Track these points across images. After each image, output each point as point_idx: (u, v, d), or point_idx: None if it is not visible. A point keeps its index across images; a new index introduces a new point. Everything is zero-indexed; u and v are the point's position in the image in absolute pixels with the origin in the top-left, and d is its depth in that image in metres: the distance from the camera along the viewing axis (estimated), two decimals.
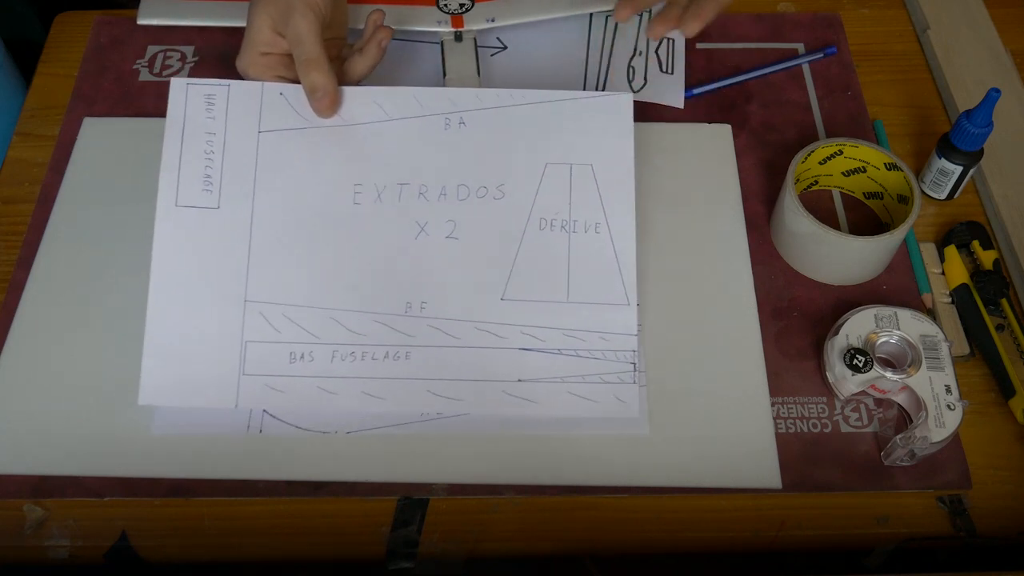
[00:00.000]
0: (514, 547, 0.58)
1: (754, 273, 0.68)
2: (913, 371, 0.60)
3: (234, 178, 0.63)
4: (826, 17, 0.83)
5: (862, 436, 0.61)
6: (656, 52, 0.79)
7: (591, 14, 0.80)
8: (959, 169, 0.69)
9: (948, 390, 0.59)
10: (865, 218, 0.71)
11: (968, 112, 0.67)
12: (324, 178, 0.63)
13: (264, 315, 0.61)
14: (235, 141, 0.63)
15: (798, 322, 0.66)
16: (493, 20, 0.76)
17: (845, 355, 0.60)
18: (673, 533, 0.59)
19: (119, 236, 0.69)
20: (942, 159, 0.69)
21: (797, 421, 0.62)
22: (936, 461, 0.60)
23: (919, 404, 0.59)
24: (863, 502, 0.60)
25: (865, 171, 0.69)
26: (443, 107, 0.65)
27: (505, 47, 0.79)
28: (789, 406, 0.62)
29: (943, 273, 0.68)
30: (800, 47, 0.81)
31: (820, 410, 0.62)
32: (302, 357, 0.61)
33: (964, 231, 0.69)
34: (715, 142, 0.74)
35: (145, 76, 0.78)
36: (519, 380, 0.61)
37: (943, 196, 0.72)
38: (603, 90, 0.76)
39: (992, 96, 0.64)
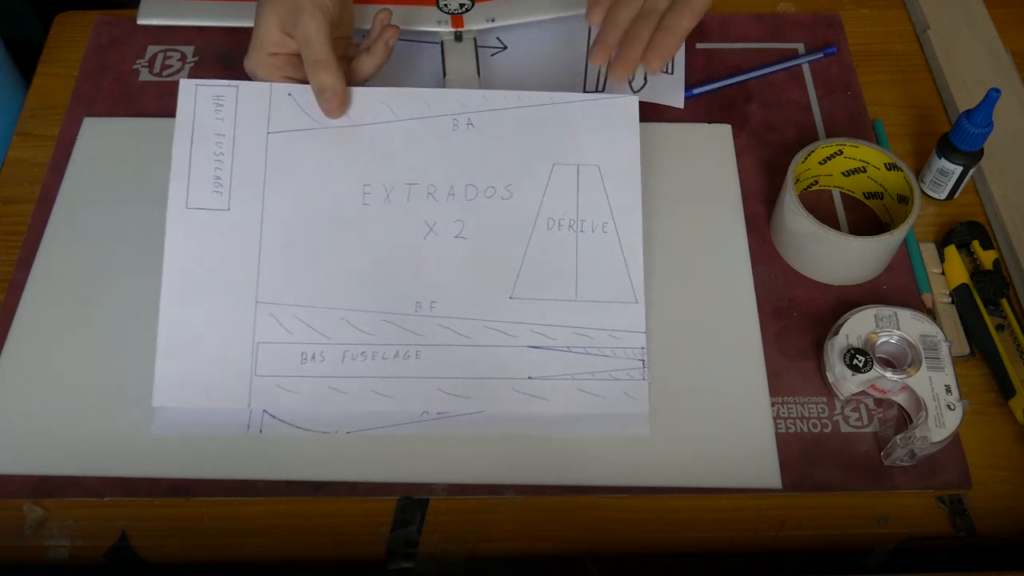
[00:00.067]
0: (514, 547, 0.58)
1: (754, 273, 0.68)
2: (913, 371, 0.60)
3: (244, 180, 0.63)
4: (826, 17, 0.83)
5: (862, 436, 0.61)
6: None
7: None
8: (959, 169, 0.69)
9: (948, 390, 0.59)
10: (865, 218, 0.71)
11: (968, 112, 0.67)
12: (333, 179, 0.64)
13: (275, 316, 0.62)
14: (244, 142, 0.63)
15: (798, 322, 0.66)
16: (493, 20, 0.76)
17: (845, 355, 0.60)
18: (673, 533, 0.59)
19: (119, 236, 0.69)
20: (942, 159, 0.69)
21: (797, 421, 0.62)
22: (936, 461, 0.60)
23: (919, 404, 0.59)
24: (863, 502, 0.60)
25: (865, 171, 0.69)
26: (451, 108, 0.65)
27: (505, 47, 0.79)
28: (789, 406, 0.62)
29: (943, 273, 0.68)
30: (800, 47, 0.81)
31: (820, 410, 0.62)
32: (313, 357, 0.61)
33: (964, 231, 0.69)
34: (715, 142, 0.74)
35: (145, 76, 0.78)
36: (529, 377, 0.62)
37: (943, 196, 0.72)
38: (603, 90, 0.76)
39: (992, 96, 0.64)
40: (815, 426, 0.62)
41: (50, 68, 0.79)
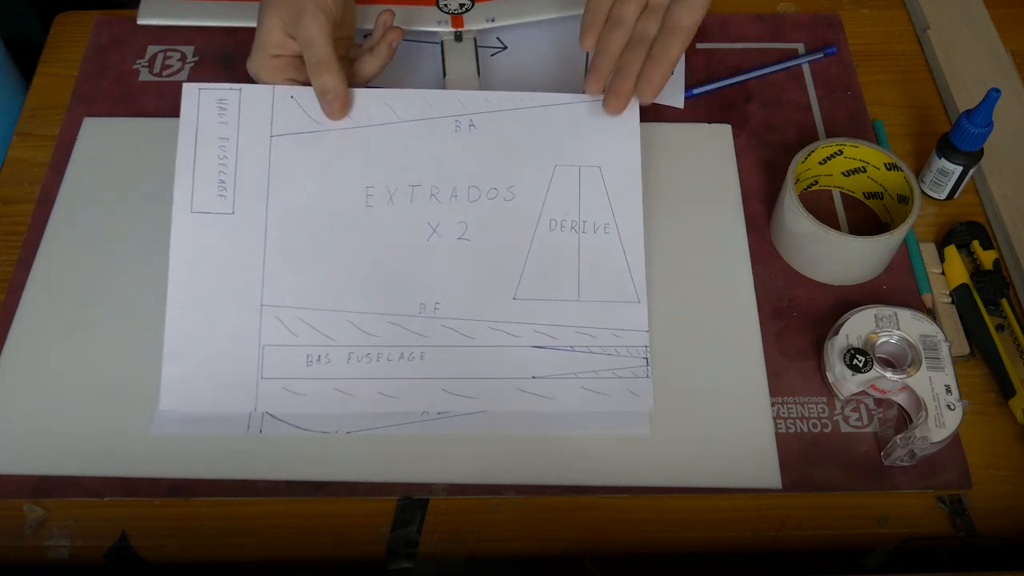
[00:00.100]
0: (514, 547, 0.58)
1: (754, 273, 0.68)
2: (913, 371, 0.60)
3: (248, 183, 0.63)
4: (826, 17, 0.83)
5: (862, 436, 0.61)
6: None
7: None
8: (959, 169, 0.69)
9: (948, 390, 0.59)
10: (865, 218, 0.71)
11: (968, 112, 0.67)
12: (336, 181, 0.64)
13: (280, 319, 0.62)
14: (248, 146, 0.63)
15: (798, 322, 0.66)
16: (493, 20, 0.76)
17: (845, 355, 0.60)
18: (673, 533, 0.59)
19: (119, 236, 0.69)
20: (942, 159, 0.69)
21: (797, 421, 0.62)
22: (936, 461, 0.60)
23: (919, 404, 0.59)
24: (863, 502, 0.60)
25: (865, 171, 0.69)
26: (453, 109, 0.65)
27: (505, 47, 0.79)
28: (789, 406, 0.62)
29: (943, 273, 0.68)
30: (800, 47, 0.81)
31: (820, 410, 0.62)
32: (319, 360, 0.62)
33: (964, 231, 0.69)
34: (715, 142, 0.74)
35: (145, 76, 0.78)
36: (533, 377, 0.62)
37: (943, 196, 0.72)
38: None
39: (992, 96, 0.64)
40: (815, 426, 0.62)
41: (50, 68, 0.79)
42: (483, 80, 0.75)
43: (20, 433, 0.61)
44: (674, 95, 0.76)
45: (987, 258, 0.68)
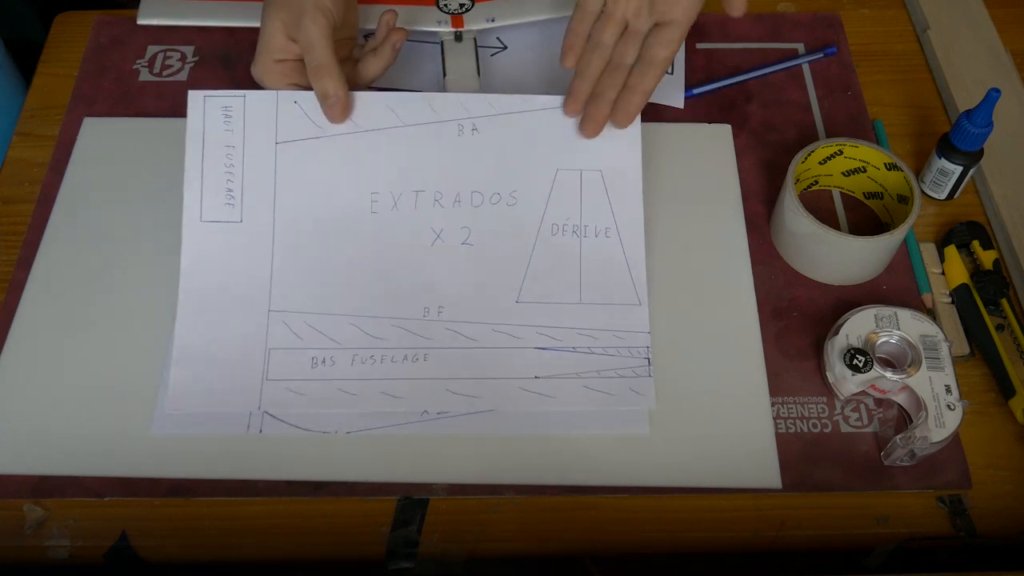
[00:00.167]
0: (514, 547, 0.58)
1: (754, 273, 0.68)
2: (913, 371, 0.60)
3: (255, 191, 0.64)
4: (826, 17, 0.83)
5: (862, 436, 0.61)
6: None
7: None
8: (959, 169, 0.69)
9: (948, 390, 0.59)
10: (865, 218, 0.71)
11: (968, 112, 0.67)
12: (342, 188, 0.64)
13: (287, 323, 0.63)
14: (254, 154, 0.64)
15: (798, 322, 0.66)
16: (493, 20, 0.76)
17: (845, 355, 0.60)
18: (673, 533, 0.59)
19: (119, 236, 0.69)
20: (942, 159, 0.69)
21: (797, 421, 0.62)
22: (936, 461, 0.60)
23: (919, 404, 0.59)
24: (863, 502, 0.60)
25: (865, 171, 0.69)
26: (456, 113, 0.65)
27: (505, 47, 0.79)
28: (789, 406, 0.62)
29: (943, 273, 0.68)
30: (800, 47, 0.81)
31: (820, 410, 0.62)
32: (323, 362, 0.62)
33: (964, 231, 0.69)
34: (715, 142, 0.74)
35: (145, 76, 0.78)
36: (536, 377, 0.62)
37: (943, 196, 0.72)
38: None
39: (992, 96, 0.64)
40: (815, 426, 0.62)
41: (50, 68, 0.79)
42: (483, 80, 0.75)
43: (20, 433, 0.61)
44: (674, 95, 0.76)
45: (987, 258, 0.68)
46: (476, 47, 0.76)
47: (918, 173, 0.73)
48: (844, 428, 0.62)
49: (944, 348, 0.61)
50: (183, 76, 0.77)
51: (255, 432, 0.61)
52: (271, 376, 0.62)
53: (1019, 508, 0.60)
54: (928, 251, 0.69)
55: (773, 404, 0.62)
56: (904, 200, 0.66)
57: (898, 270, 0.68)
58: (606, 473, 0.60)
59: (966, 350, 0.65)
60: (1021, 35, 0.81)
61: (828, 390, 0.63)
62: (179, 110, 0.72)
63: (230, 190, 0.63)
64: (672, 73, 0.77)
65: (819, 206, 0.71)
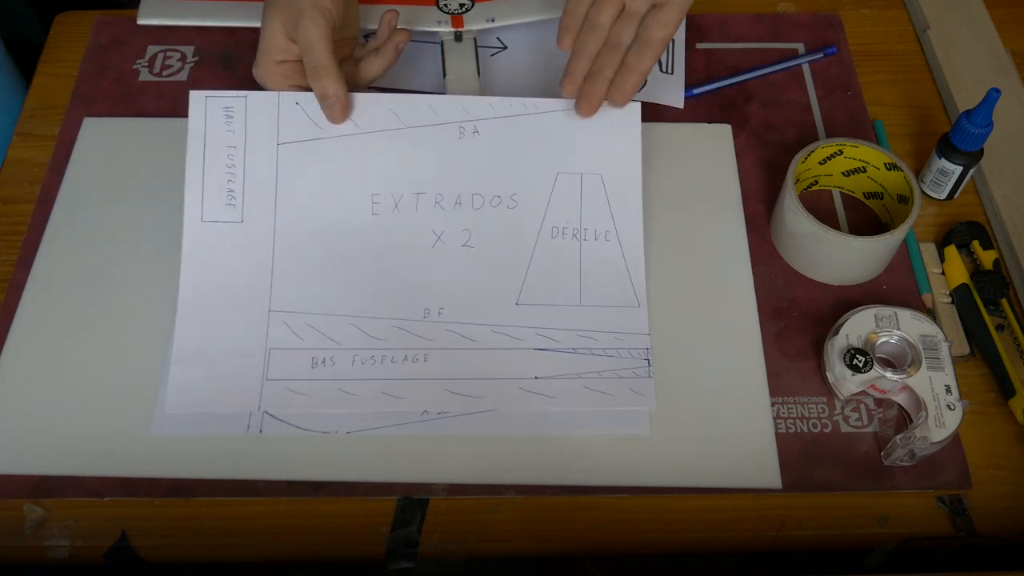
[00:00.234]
0: (514, 547, 0.58)
1: (754, 273, 0.68)
2: (913, 371, 0.60)
3: (256, 192, 0.64)
4: (826, 17, 0.83)
5: (862, 436, 0.61)
6: None
7: None
8: (959, 169, 0.69)
9: (948, 390, 0.59)
10: (865, 218, 0.71)
11: (968, 112, 0.67)
12: (343, 189, 0.64)
13: (287, 324, 0.63)
14: (255, 154, 0.64)
15: (798, 322, 0.66)
16: (493, 20, 0.76)
17: (845, 355, 0.60)
18: (673, 533, 0.59)
19: (119, 236, 0.69)
20: (942, 159, 0.69)
21: (797, 421, 0.62)
22: (936, 461, 0.60)
23: (919, 404, 0.59)
24: (863, 502, 0.60)
25: (865, 171, 0.69)
26: (457, 115, 0.65)
27: (505, 47, 0.79)
28: (789, 406, 0.62)
29: (943, 273, 0.68)
30: (800, 47, 0.81)
31: (820, 410, 0.62)
32: (323, 362, 0.62)
33: (964, 231, 0.69)
34: (715, 142, 0.74)
35: (145, 76, 0.78)
36: (535, 377, 0.62)
37: (943, 196, 0.72)
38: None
39: (992, 96, 0.64)
40: (815, 426, 0.62)
41: (50, 68, 0.79)
42: (483, 80, 0.75)
43: (20, 433, 0.61)
44: (674, 95, 0.76)
45: (987, 258, 0.68)
46: (476, 47, 0.76)
47: (918, 173, 0.73)
48: (844, 428, 0.62)
49: (944, 348, 0.61)
50: (183, 76, 0.77)
51: (255, 432, 0.61)
52: (271, 376, 0.62)
53: (1019, 508, 0.60)
54: (928, 251, 0.69)
55: (773, 404, 0.62)
56: (904, 200, 0.66)
57: (898, 270, 0.68)
58: (606, 473, 0.60)
59: (966, 350, 0.65)
60: (1021, 35, 0.81)
61: (828, 390, 0.63)
62: (179, 110, 0.72)
63: (231, 190, 0.63)
64: (672, 73, 0.77)
65: (819, 206, 0.71)
